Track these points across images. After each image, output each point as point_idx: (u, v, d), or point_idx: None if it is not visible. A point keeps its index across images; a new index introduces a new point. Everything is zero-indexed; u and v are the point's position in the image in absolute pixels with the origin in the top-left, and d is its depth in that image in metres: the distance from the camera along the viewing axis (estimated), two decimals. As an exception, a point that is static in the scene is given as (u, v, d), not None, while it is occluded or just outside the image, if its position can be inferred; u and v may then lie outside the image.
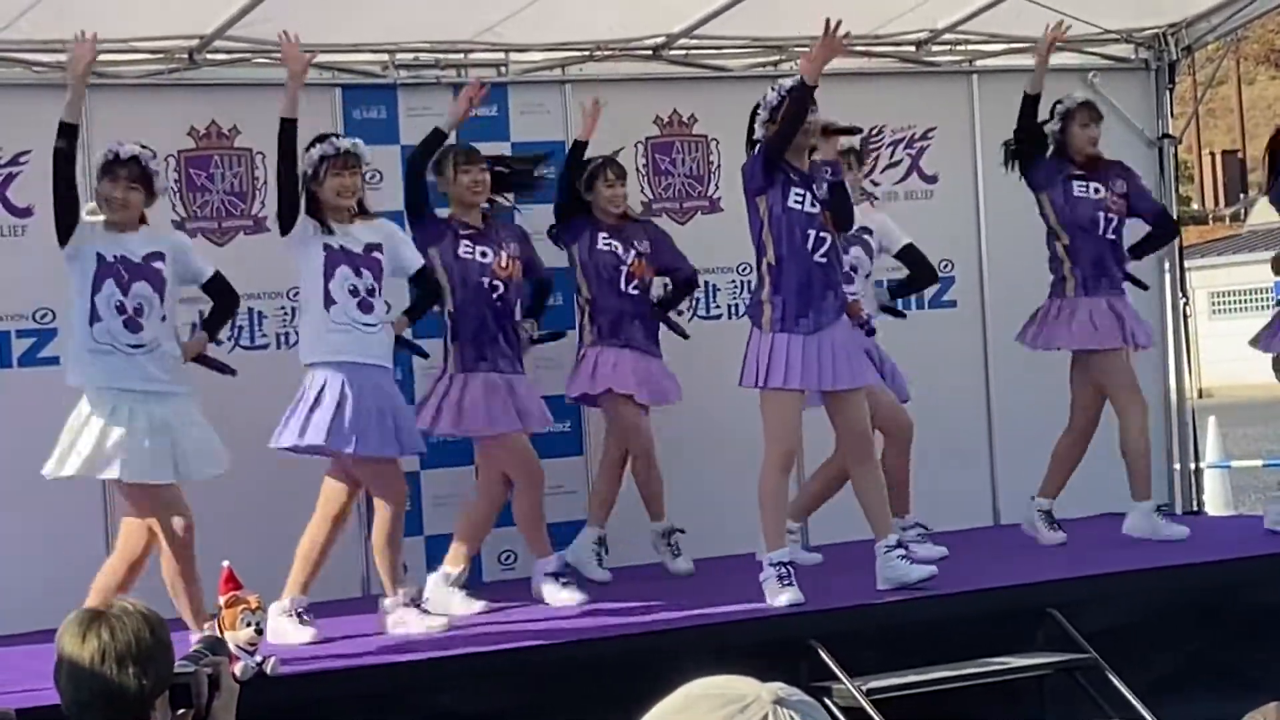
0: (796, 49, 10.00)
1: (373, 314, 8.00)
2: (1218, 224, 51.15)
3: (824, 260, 8.13)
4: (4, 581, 8.58)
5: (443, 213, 8.72)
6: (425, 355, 8.98)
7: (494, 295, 8.58)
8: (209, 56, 9.20)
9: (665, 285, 9.49)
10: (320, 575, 8.11)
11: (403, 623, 7.94)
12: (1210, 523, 10.92)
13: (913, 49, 10.69)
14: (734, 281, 10.22)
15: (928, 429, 9.53)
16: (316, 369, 7.89)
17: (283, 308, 9.30)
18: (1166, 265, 11.04)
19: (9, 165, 8.86)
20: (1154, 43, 11.11)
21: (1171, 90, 11.17)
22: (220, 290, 8.02)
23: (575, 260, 9.22)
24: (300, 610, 7.92)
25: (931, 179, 10.75)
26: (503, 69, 9.92)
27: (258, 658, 6.83)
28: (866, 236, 9.42)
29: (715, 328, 10.07)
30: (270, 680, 6.74)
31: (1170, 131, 11.16)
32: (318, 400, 7.79)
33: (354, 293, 7.93)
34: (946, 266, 10.68)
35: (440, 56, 9.78)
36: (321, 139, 8.06)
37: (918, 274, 9.68)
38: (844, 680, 7.42)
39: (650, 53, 10.15)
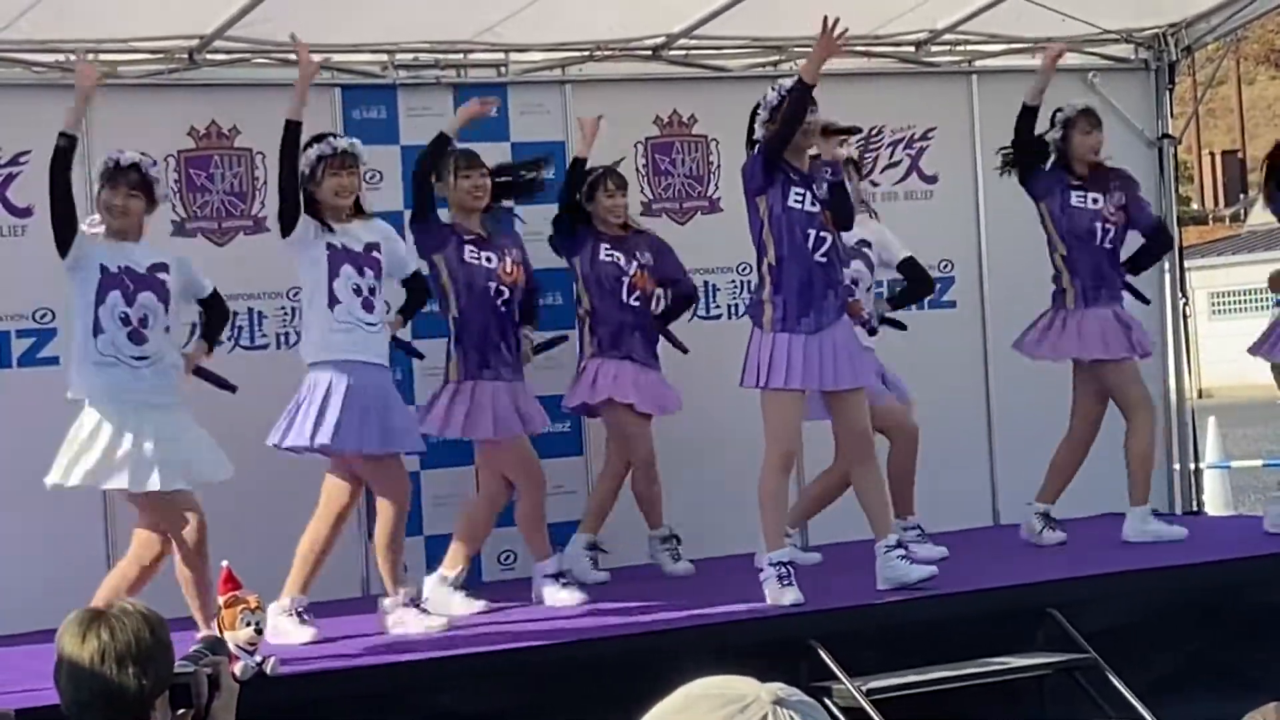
0: (796, 49, 10.01)
1: (374, 313, 8.02)
2: (1217, 224, 51.14)
3: (824, 260, 8.13)
4: (4, 581, 8.58)
5: (442, 214, 8.72)
6: (421, 356, 8.98)
7: (499, 301, 8.56)
8: (209, 56, 9.20)
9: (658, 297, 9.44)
10: (320, 575, 8.11)
11: (402, 623, 7.94)
12: (1210, 523, 10.92)
13: (912, 49, 10.69)
14: (734, 282, 10.22)
15: (928, 429, 9.52)
16: (320, 368, 7.89)
17: (283, 308, 9.30)
18: (1166, 266, 11.03)
19: (9, 165, 8.86)
20: (1154, 43, 11.11)
21: (1171, 90, 11.17)
22: (216, 305, 8.01)
23: (577, 271, 9.21)
24: (300, 610, 7.92)
25: (931, 179, 10.75)
26: (502, 69, 9.92)
27: (257, 658, 6.83)
28: (866, 250, 9.41)
29: (715, 328, 10.07)
30: (270, 680, 6.73)
31: (1170, 132, 11.16)
32: (326, 400, 7.79)
33: (357, 292, 7.95)
34: (946, 267, 10.69)
35: (440, 57, 9.78)
36: (319, 139, 8.06)
37: (916, 286, 9.68)
38: (844, 680, 7.42)
39: (650, 53, 10.15)
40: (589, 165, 9.19)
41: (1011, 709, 7.91)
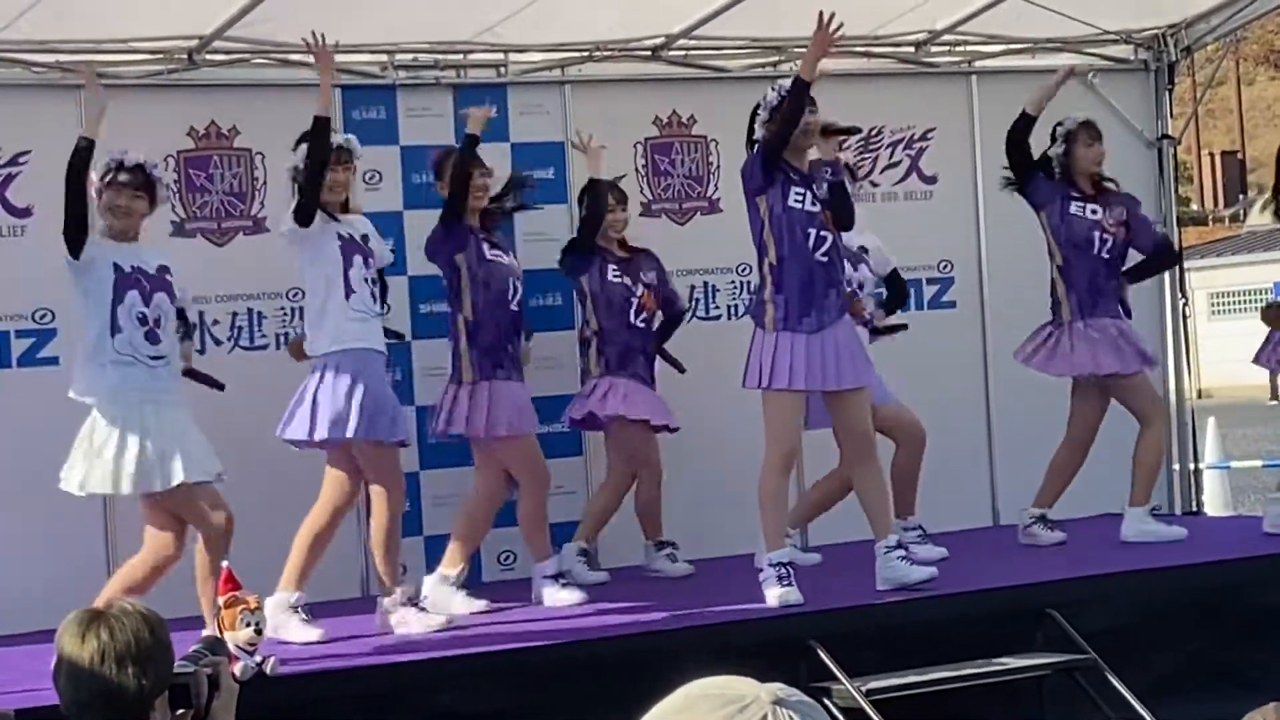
0: (796, 49, 10.00)
1: (378, 303, 8.09)
2: (1217, 225, 51.13)
3: (825, 259, 8.13)
4: (4, 581, 8.58)
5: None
6: (402, 337, 9.05)
7: (512, 300, 8.60)
8: (208, 57, 9.20)
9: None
10: (320, 575, 8.11)
11: (403, 622, 7.94)
12: (1210, 523, 10.92)
13: (912, 50, 10.69)
14: (733, 282, 10.22)
15: (928, 429, 9.52)
16: (336, 358, 7.87)
17: (282, 308, 9.30)
18: (1166, 266, 11.05)
19: (9, 165, 8.86)
20: (1153, 43, 11.11)
21: (1171, 91, 11.17)
22: (184, 310, 8.03)
23: (585, 291, 9.22)
24: (301, 609, 7.90)
25: (931, 179, 10.75)
26: (502, 69, 9.92)
27: (257, 658, 6.82)
28: (866, 256, 9.46)
29: (715, 328, 10.07)
30: (270, 680, 6.72)
31: (1169, 132, 11.16)
32: (350, 391, 7.80)
33: (367, 281, 8.00)
34: (946, 267, 10.70)
35: (439, 57, 9.78)
36: (314, 134, 8.08)
37: (895, 295, 9.74)
38: (843, 680, 7.42)
39: (650, 53, 10.14)
40: (585, 177, 9.24)
41: (1011, 709, 7.91)
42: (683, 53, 10.22)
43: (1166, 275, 11.02)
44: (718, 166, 10.23)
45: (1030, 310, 9.68)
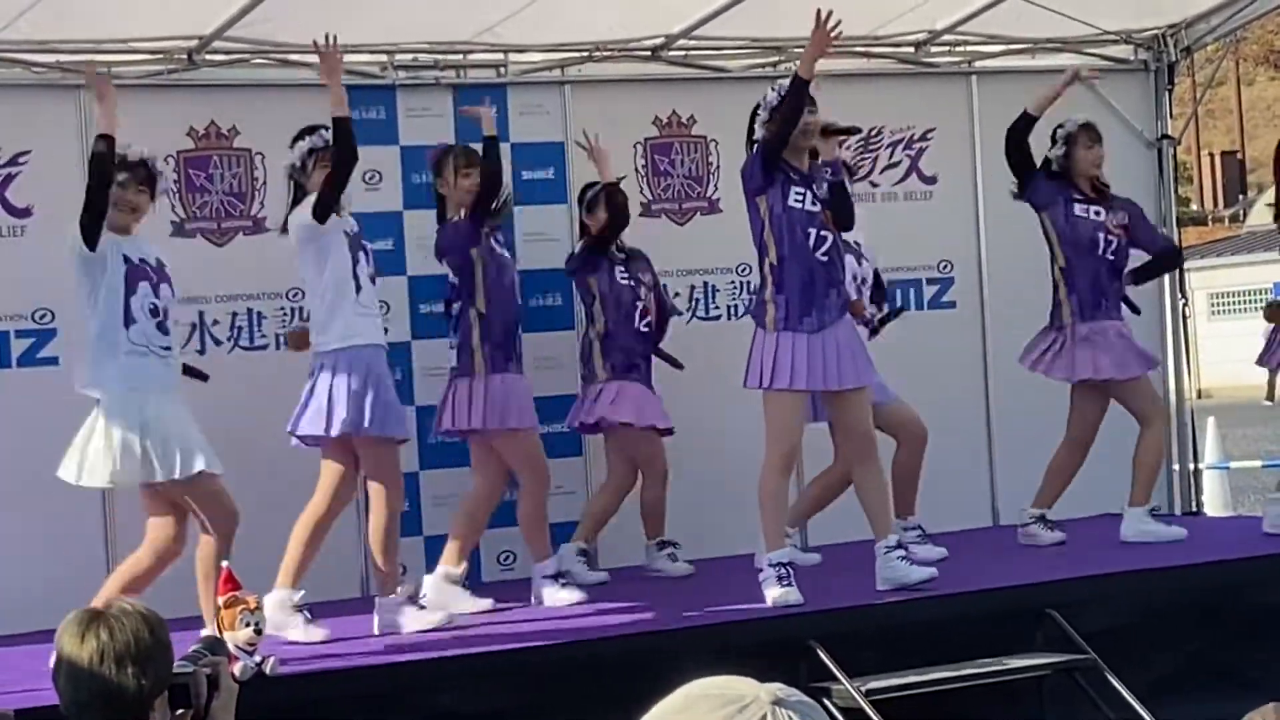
0: (796, 49, 9.99)
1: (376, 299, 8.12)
2: (1217, 225, 51.14)
3: (826, 259, 8.13)
4: (4, 581, 8.58)
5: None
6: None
7: (516, 296, 8.70)
8: (208, 57, 9.20)
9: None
10: (320, 575, 8.10)
11: (403, 622, 7.94)
12: (1209, 523, 10.92)
13: (912, 50, 10.69)
14: (733, 282, 10.22)
15: (928, 429, 9.52)
16: (347, 354, 7.86)
17: (282, 308, 9.30)
18: (1166, 266, 11.05)
19: (9, 165, 8.86)
20: (1153, 44, 11.11)
21: (1170, 91, 11.17)
22: None
23: (594, 292, 9.21)
24: (304, 609, 7.90)
25: (930, 180, 10.75)
26: (502, 69, 9.92)
27: (257, 658, 6.82)
28: (864, 255, 9.47)
29: (714, 328, 10.07)
30: (270, 680, 6.73)
31: (1169, 132, 11.16)
32: (363, 387, 7.81)
33: (370, 278, 8.01)
34: (946, 267, 10.70)
35: (439, 57, 9.78)
36: (310, 131, 8.09)
37: (875, 297, 9.74)
38: (843, 681, 7.42)
39: (649, 53, 10.14)
40: (586, 180, 9.24)
41: (1011, 709, 7.91)
42: (683, 53, 10.22)
43: (1166, 277, 11.02)
44: (717, 167, 10.23)
45: (1030, 310, 9.68)
